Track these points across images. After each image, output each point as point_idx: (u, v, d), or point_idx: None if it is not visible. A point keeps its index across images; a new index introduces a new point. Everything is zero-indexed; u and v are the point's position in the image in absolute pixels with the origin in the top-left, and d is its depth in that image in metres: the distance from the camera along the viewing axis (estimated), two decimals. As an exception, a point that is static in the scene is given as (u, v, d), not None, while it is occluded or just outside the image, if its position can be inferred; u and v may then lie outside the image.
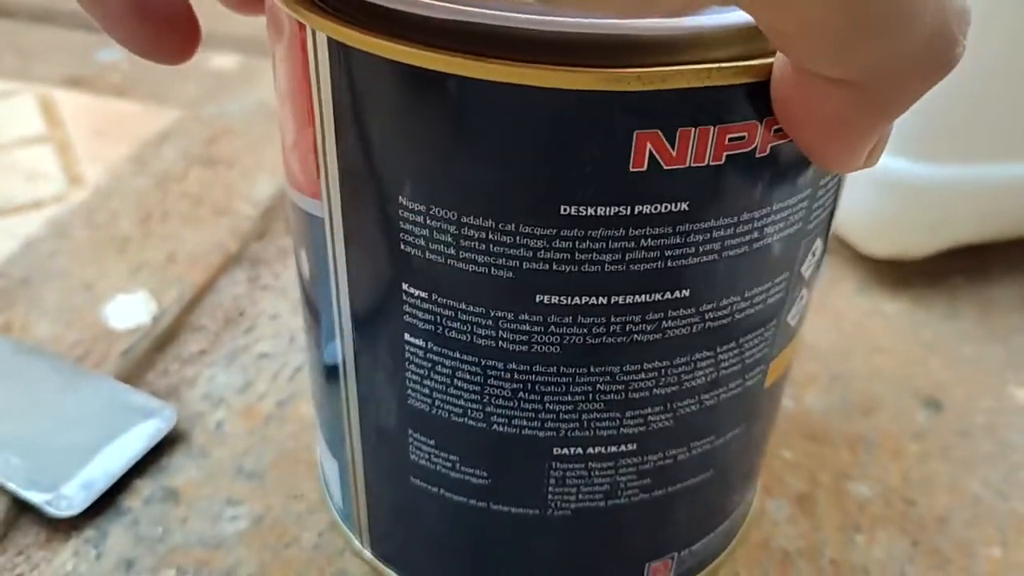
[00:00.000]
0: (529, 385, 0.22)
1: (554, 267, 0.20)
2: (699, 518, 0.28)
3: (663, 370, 0.22)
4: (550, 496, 0.24)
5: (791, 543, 0.32)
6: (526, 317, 0.21)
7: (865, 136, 0.18)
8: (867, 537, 0.32)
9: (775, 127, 0.19)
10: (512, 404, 0.23)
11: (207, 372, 0.37)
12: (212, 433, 0.35)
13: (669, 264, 0.20)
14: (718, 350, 0.23)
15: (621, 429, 0.23)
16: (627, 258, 0.20)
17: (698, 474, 0.26)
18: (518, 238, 0.20)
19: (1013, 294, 0.44)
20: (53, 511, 0.31)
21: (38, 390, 0.35)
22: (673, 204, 0.19)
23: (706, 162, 0.19)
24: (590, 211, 0.19)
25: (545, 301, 0.21)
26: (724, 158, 0.19)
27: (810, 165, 0.21)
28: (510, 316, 0.21)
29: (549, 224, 0.19)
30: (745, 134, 0.19)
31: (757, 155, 0.19)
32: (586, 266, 0.20)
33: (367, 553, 0.30)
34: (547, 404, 0.22)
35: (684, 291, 0.21)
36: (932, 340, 0.41)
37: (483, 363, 0.22)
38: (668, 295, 0.21)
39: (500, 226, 0.20)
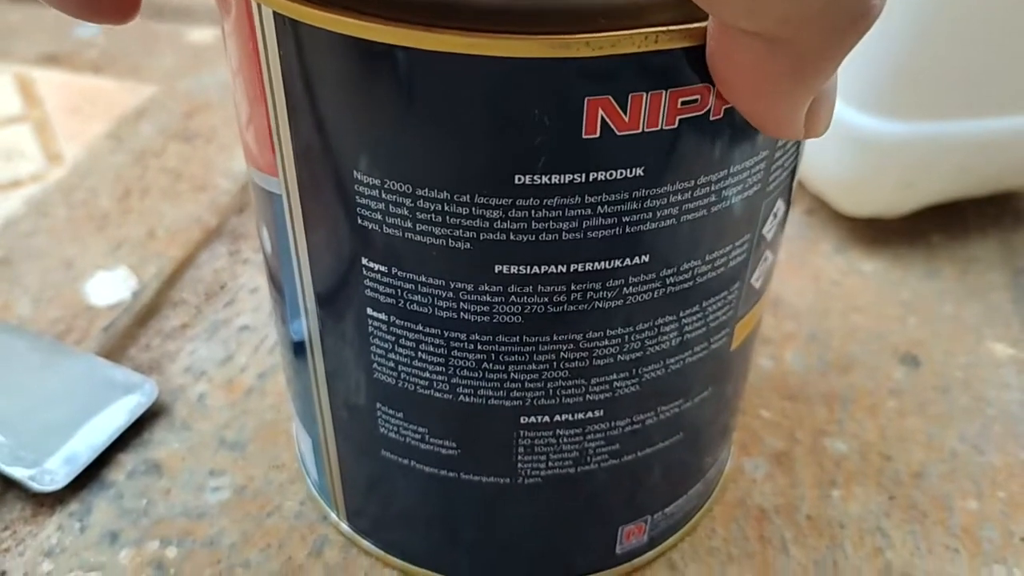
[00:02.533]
0: (493, 355, 0.22)
1: (511, 237, 0.20)
2: (672, 481, 0.28)
3: (627, 336, 0.22)
4: (519, 465, 0.25)
5: (768, 500, 0.32)
6: (486, 288, 0.21)
7: (792, 96, 0.18)
8: (843, 493, 0.32)
9: None
10: (477, 375, 0.23)
11: (188, 346, 0.38)
12: (194, 406, 0.35)
13: (627, 230, 0.20)
14: (681, 314, 0.23)
15: (587, 396, 0.23)
16: (584, 225, 0.20)
17: (668, 438, 0.26)
18: (474, 209, 0.20)
19: (990, 251, 0.44)
20: (37, 486, 0.31)
21: (20, 367, 0.36)
22: (628, 170, 0.19)
23: (659, 127, 0.19)
24: (545, 180, 0.19)
25: (504, 271, 0.21)
26: (678, 122, 0.19)
27: None
28: (470, 287, 0.21)
29: (504, 194, 0.19)
30: (698, 97, 0.19)
31: (711, 118, 0.19)
32: (544, 235, 0.20)
33: (344, 526, 0.30)
34: (512, 373, 0.23)
35: (644, 256, 0.21)
36: (910, 298, 0.41)
37: (446, 335, 0.22)
38: (628, 261, 0.21)
39: (455, 198, 0.20)
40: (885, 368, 0.37)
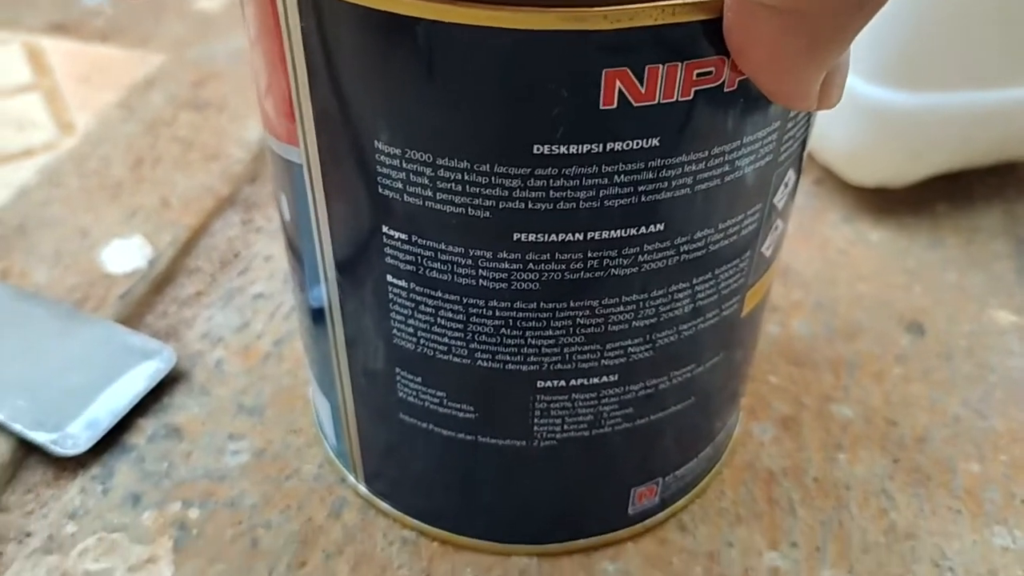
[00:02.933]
0: (511, 321, 0.23)
1: (530, 206, 0.21)
2: (683, 444, 0.29)
3: (641, 303, 0.23)
4: (536, 428, 0.25)
5: (775, 463, 0.33)
6: (505, 255, 0.22)
7: (807, 68, 0.18)
8: (849, 456, 0.33)
9: None
10: (495, 340, 0.23)
11: (205, 313, 0.38)
12: (212, 372, 0.36)
13: (643, 199, 0.21)
14: (694, 281, 0.23)
15: (602, 361, 0.24)
16: (601, 195, 0.20)
17: (680, 402, 0.27)
18: (493, 178, 0.20)
19: (995, 220, 0.44)
20: (59, 450, 0.32)
21: (39, 334, 0.36)
22: (644, 140, 0.20)
23: (675, 98, 0.19)
24: (562, 150, 0.20)
25: (523, 239, 0.21)
26: (693, 93, 0.19)
27: None
28: (489, 255, 0.22)
29: (523, 164, 0.20)
30: (712, 69, 0.19)
31: (725, 89, 0.20)
32: (561, 204, 0.21)
33: (362, 488, 0.31)
34: (529, 339, 0.23)
35: (659, 225, 0.22)
36: (915, 267, 0.41)
37: (465, 301, 0.23)
38: (643, 230, 0.21)
39: (475, 167, 0.20)
40: (891, 335, 0.38)
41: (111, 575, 0.29)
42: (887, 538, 0.30)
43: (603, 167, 0.20)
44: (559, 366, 0.24)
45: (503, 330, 0.23)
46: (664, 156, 0.20)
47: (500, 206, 0.21)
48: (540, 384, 0.24)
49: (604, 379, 0.25)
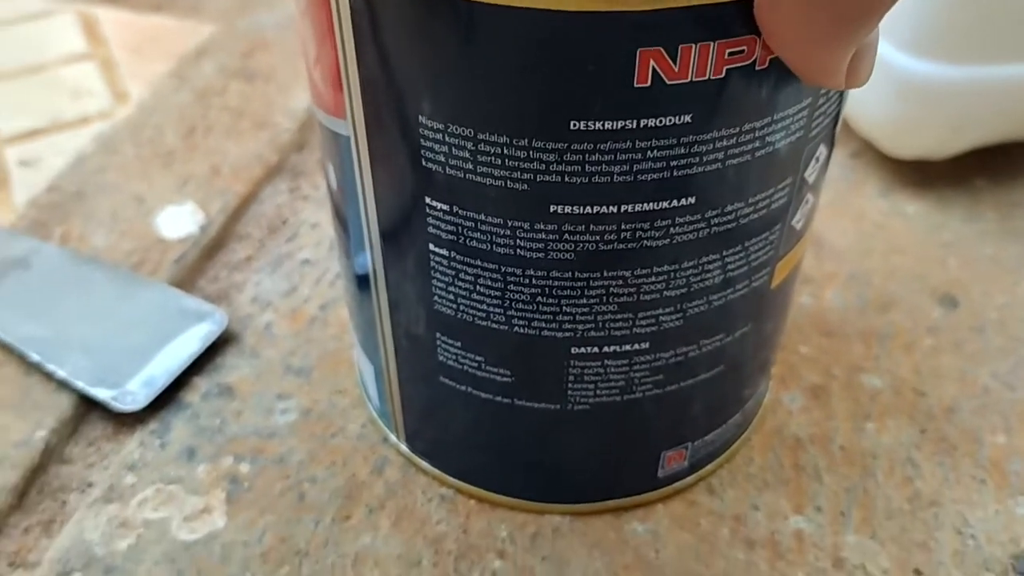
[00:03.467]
0: (547, 289, 0.24)
1: (566, 179, 0.22)
2: (712, 410, 0.30)
3: (672, 273, 0.24)
4: (569, 392, 0.27)
5: (803, 431, 0.34)
6: (542, 226, 0.23)
7: (835, 47, 0.19)
8: (877, 425, 0.34)
9: None
10: (531, 307, 0.24)
11: (254, 278, 0.40)
12: (261, 334, 0.37)
13: (675, 174, 0.22)
14: (724, 253, 0.24)
15: (634, 329, 0.25)
16: (635, 169, 0.21)
17: (710, 369, 0.27)
18: (532, 152, 0.21)
19: (1035, 193, 0.44)
20: (119, 406, 0.34)
21: (98, 296, 0.38)
22: (677, 117, 0.21)
23: (707, 76, 0.20)
24: (598, 125, 0.21)
25: (559, 211, 0.22)
26: (725, 72, 0.20)
27: None
28: (527, 226, 0.23)
29: (560, 139, 0.21)
30: (744, 48, 0.20)
31: (757, 68, 0.20)
32: (596, 177, 0.21)
33: (403, 447, 0.32)
34: (564, 307, 0.24)
35: (690, 199, 0.22)
36: (951, 240, 0.42)
37: (503, 270, 0.24)
38: (675, 203, 0.22)
39: (514, 142, 0.21)
40: (923, 308, 0.38)
41: (168, 524, 0.31)
42: (911, 505, 0.31)
43: (637, 143, 0.21)
44: (592, 333, 0.25)
45: (539, 298, 0.24)
46: (696, 132, 0.21)
47: (538, 179, 0.22)
48: (574, 350, 0.25)
49: (636, 346, 0.26)
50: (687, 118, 0.21)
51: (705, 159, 0.22)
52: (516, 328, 0.25)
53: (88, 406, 0.35)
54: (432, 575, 0.29)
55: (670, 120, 0.21)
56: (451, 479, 0.31)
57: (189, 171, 0.45)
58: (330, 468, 0.32)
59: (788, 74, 0.21)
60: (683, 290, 0.24)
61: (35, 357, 0.35)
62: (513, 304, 0.25)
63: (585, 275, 0.24)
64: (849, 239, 0.41)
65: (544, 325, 0.25)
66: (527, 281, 0.24)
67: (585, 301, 0.24)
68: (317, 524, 0.31)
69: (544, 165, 0.21)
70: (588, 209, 0.22)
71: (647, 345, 0.26)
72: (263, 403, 0.34)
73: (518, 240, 0.23)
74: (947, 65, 0.39)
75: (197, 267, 0.40)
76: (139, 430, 0.34)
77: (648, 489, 0.31)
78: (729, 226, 0.24)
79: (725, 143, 0.22)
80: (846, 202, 0.43)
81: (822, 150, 0.25)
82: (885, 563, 0.29)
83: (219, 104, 0.49)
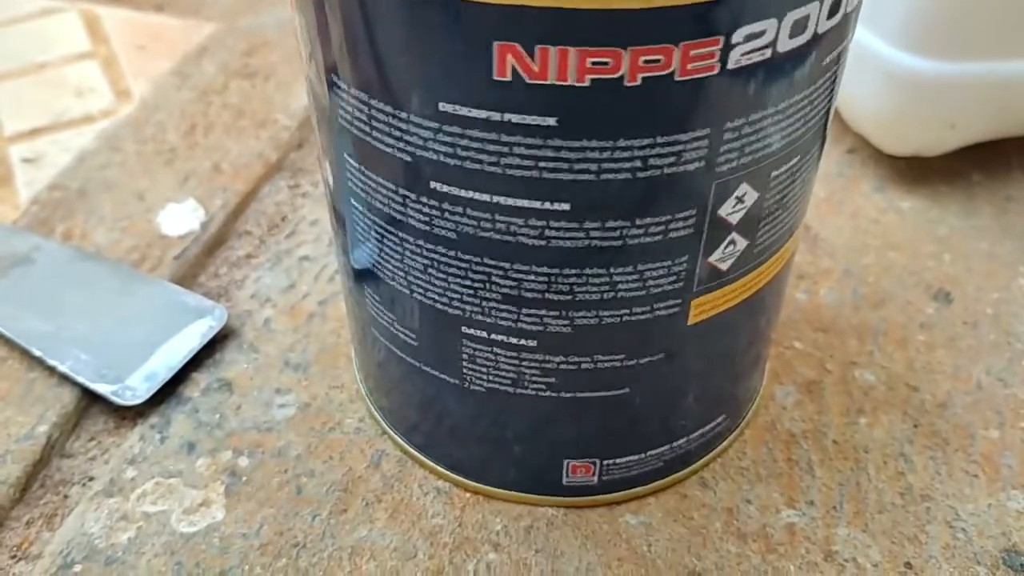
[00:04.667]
0: (435, 263, 0.25)
1: (442, 158, 0.22)
2: (619, 434, 0.29)
3: (552, 277, 0.24)
4: (465, 370, 0.27)
5: (797, 425, 0.34)
6: (425, 200, 0.24)
7: None
8: (869, 420, 0.34)
9: (645, 58, 0.20)
10: (425, 278, 0.26)
11: (254, 274, 0.40)
12: (260, 330, 0.38)
13: (544, 175, 0.22)
14: (612, 271, 0.24)
15: (519, 324, 0.26)
16: (503, 162, 0.22)
17: (610, 389, 0.27)
18: (411, 126, 0.22)
19: (1030, 189, 0.44)
20: (120, 400, 0.34)
21: (100, 292, 0.38)
22: (541, 118, 0.21)
23: (569, 81, 0.20)
24: (464, 111, 0.21)
25: (439, 189, 0.23)
26: (589, 80, 0.20)
27: (706, 105, 0.21)
28: (413, 196, 0.24)
29: (431, 117, 0.22)
30: (609, 60, 0.20)
31: (626, 83, 0.20)
32: (467, 163, 0.22)
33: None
34: (451, 284, 0.25)
35: (563, 204, 0.23)
36: (946, 236, 0.42)
37: (399, 236, 0.25)
38: (548, 205, 0.23)
39: (396, 112, 0.22)
40: (917, 303, 0.39)
41: (168, 517, 0.31)
42: (903, 499, 0.31)
43: (502, 136, 0.21)
44: (480, 317, 0.26)
45: (430, 270, 0.25)
46: (563, 137, 0.21)
47: (417, 153, 0.23)
48: (465, 330, 0.26)
49: (523, 342, 0.26)
50: (551, 120, 0.21)
51: (576, 167, 0.22)
52: (415, 294, 0.26)
53: (89, 400, 0.35)
54: (428, 567, 0.30)
55: (534, 120, 0.21)
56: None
57: (190, 168, 0.45)
58: (328, 462, 0.33)
59: (668, 97, 0.21)
60: (567, 296, 0.25)
61: (37, 352, 0.36)
62: (410, 271, 0.26)
63: (467, 257, 0.24)
64: (844, 235, 0.42)
65: (436, 297, 0.26)
66: (419, 251, 0.25)
67: (470, 283, 0.25)
68: (314, 517, 0.31)
69: (422, 140, 0.22)
70: (463, 192, 0.23)
71: (535, 344, 0.26)
72: (262, 397, 0.35)
73: (408, 208, 0.24)
74: (943, 62, 0.39)
75: (198, 263, 0.41)
76: (139, 424, 0.34)
77: (552, 493, 0.31)
78: (614, 243, 0.23)
79: (598, 155, 0.22)
80: (841, 198, 0.44)
81: (746, 190, 0.24)
82: (876, 556, 0.30)
83: (220, 102, 0.50)
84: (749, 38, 0.20)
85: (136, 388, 0.34)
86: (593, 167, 0.22)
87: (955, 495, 0.32)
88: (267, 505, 0.31)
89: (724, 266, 0.25)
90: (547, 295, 0.25)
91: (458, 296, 0.25)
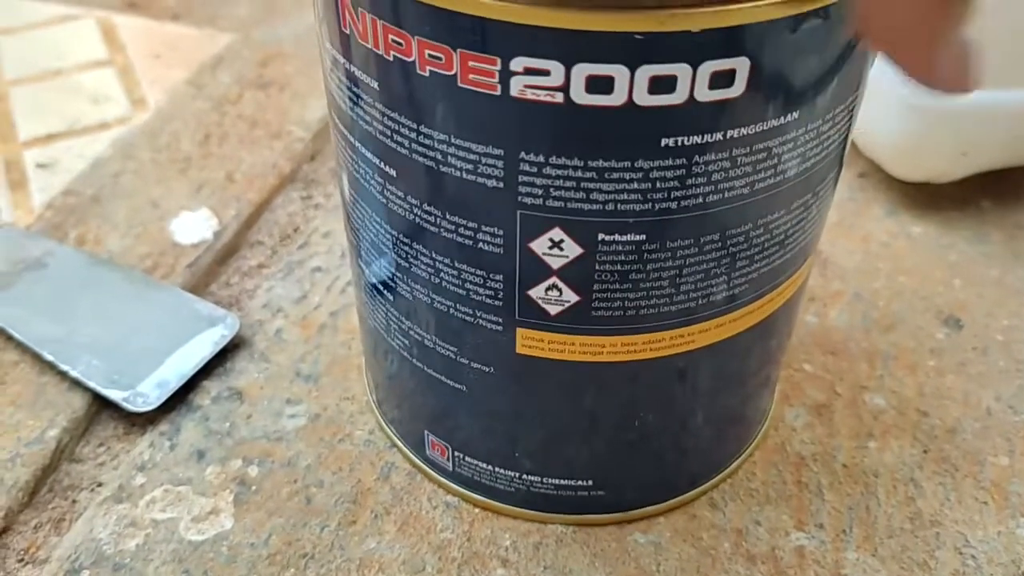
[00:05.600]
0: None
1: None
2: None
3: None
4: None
5: (806, 448, 0.34)
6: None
7: (928, 30, 0.17)
8: (879, 444, 0.34)
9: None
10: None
11: (266, 284, 0.40)
12: (272, 340, 0.38)
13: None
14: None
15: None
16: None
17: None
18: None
19: (1040, 217, 0.45)
20: (130, 407, 0.34)
21: (113, 299, 0.39)
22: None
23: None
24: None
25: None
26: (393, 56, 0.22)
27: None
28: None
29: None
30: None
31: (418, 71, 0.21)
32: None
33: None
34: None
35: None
36: (957, 261, 0.42)
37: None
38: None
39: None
40: (928, 328, 0.39)
41: (176, 524, 0.31)
42: (912, 524, 0.31)
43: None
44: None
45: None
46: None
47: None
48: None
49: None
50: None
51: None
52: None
53: (100, 406, 0.35)
54: (436, 581, 0.30)
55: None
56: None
57: (204, 178, 0.46)
58: (337, 473, 0.33)
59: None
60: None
61: (49, 356, 0.36)
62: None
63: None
64: (855, 259, 0.42)
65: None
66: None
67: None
68: (323, 528, 0.31)
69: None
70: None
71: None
72: (272, 407, 0.35)
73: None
74: (955, 89, 0.39)
75: (210, 272, 0.41)
76: (149, 431, 0.34)
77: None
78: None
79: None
80: (852, 222, 0.44)
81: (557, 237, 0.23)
82: (885, 580, 0.30)
83: (234, 112, 0.50)
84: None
85: (147, 395, 0.35)
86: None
87: (964, 521, 0.32)
88: (276, 515, 0.31)
89: (554, 312, 0.25)
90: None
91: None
